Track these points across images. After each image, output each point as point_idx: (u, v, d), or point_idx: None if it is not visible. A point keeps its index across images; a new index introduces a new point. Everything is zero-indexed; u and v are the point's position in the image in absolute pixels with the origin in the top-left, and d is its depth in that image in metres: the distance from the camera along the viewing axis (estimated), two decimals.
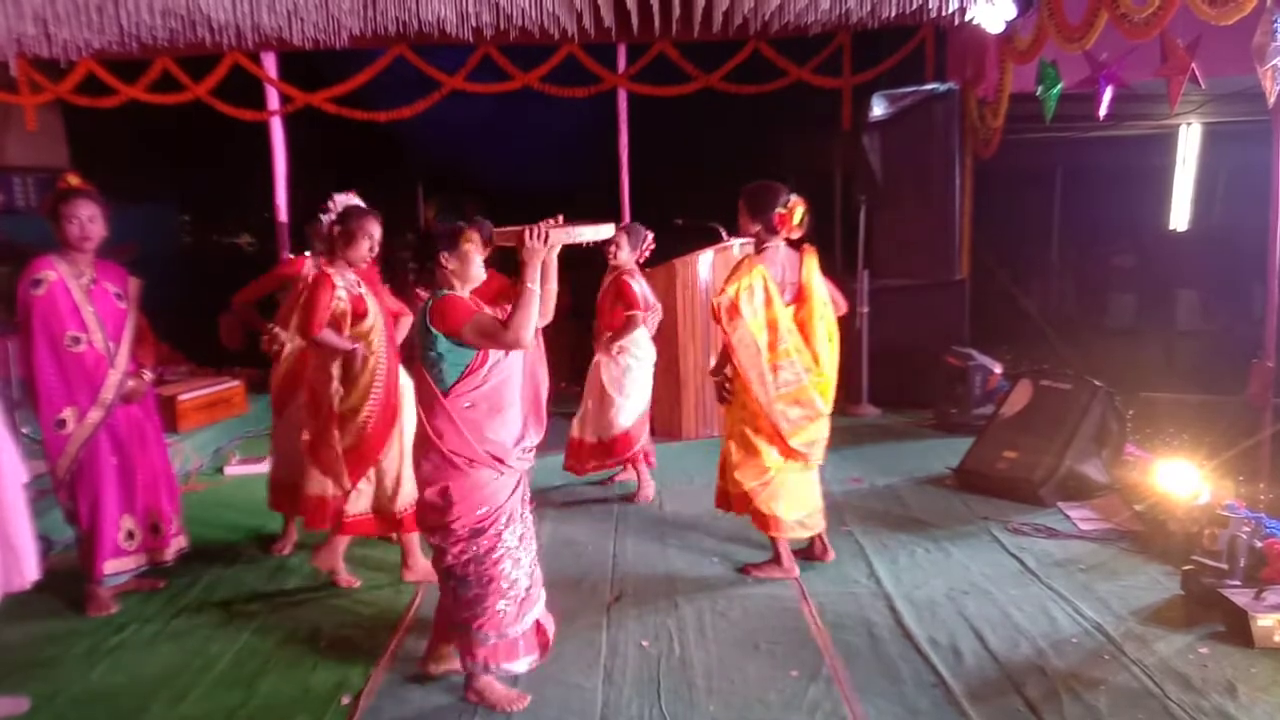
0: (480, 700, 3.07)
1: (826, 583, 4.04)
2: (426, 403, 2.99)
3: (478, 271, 3.08)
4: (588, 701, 3.09)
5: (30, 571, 3.06)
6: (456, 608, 3.04)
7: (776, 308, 3.94)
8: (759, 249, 4.04)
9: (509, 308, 2.89)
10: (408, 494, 3.95)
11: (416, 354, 3.04)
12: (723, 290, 3.92)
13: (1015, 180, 8.60)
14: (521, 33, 7.33)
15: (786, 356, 3.94)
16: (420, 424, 3.01)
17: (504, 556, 3.01)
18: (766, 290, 3.93)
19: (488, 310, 2.99)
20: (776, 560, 4.16)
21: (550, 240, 2.91)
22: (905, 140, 7.37)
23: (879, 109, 7.34)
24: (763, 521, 4.08)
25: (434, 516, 2.99)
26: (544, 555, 4.17)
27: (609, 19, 7.23)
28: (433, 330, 2.93)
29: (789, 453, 4.01)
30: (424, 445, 3.00)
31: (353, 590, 4.03)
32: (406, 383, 4.02)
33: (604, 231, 3.15)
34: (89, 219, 3.70)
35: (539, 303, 2.90)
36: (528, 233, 2.88)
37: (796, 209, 3.91)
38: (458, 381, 2.95)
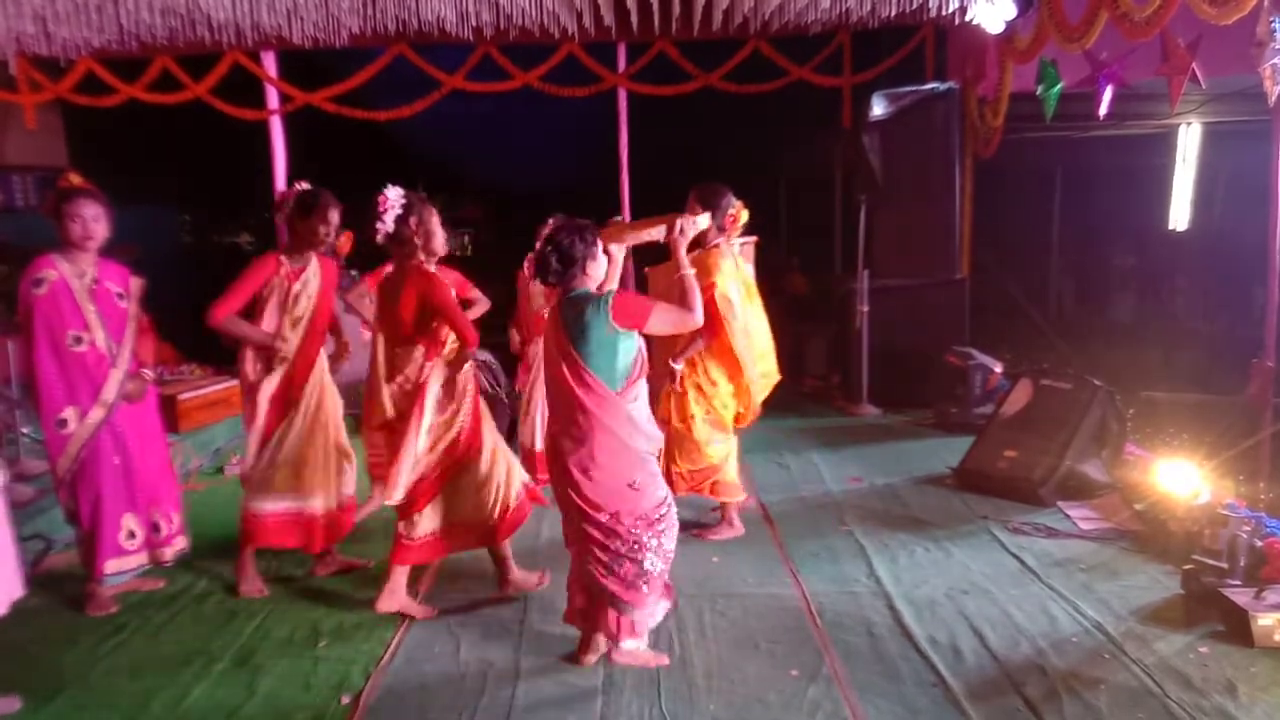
0: (631, 661, 3.26)
1: (826, 582, 4.04)
2: (594, 403, 3.01)
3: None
4: (588, 701, 3.10)
5: (13, 588, 3.01)
6: (619, 589, 3.10)
7: (743, 297, 4.35)
8: (709, 246, 4.27)
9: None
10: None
11: (560, 358, 3.05)
12: (713, 284, 4.14)
13: (1015, 179, 8.61)
14: (521, 32, 7.33)
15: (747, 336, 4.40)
16: (587, 424, 3.02)
17: (667, 532, 3.17)
18: (737, 282, 4.33)
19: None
20: (729, 522, 4.62)
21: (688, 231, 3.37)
22: (905, 139, 7.38)
23: (879, 108, 7.35)
24: (724, 489, 4.51)
25: (628, 503, 3.06)
26: (544, 558, 4.20)
27: (609, 18, 7.23)
28: (617, 328, 3.01)
29: (743, 419, 4.56)
30: (607, 445, 3.03)
31: (352, 589, 4.03)
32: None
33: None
34: (93, 218, 3.70)
35: None
36: (677, 223, 3.32)
37: (743, 212, 4.31)
38: (628, 378, 3.08)
